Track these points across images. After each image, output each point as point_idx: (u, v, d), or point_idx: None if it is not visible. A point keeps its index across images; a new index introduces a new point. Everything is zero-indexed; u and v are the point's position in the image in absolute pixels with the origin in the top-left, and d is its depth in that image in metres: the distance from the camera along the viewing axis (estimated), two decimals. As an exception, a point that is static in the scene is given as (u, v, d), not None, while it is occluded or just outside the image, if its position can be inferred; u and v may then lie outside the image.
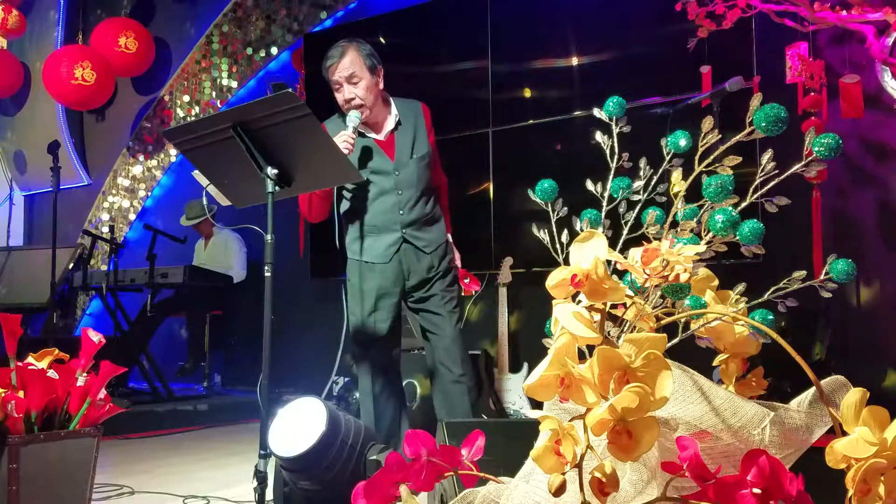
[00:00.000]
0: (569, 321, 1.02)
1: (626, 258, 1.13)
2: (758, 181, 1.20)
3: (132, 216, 6.70)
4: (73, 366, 1.92)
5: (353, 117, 2.59)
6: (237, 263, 5.47)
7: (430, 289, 2.77)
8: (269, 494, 2.13)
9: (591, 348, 1.01)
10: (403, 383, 3.57)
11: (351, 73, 2.62)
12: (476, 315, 4.60)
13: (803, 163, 1.16)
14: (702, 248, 1.15)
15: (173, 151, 6.41)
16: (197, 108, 6.25)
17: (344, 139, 2.53)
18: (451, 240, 2.88)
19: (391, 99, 2.78)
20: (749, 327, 1.24)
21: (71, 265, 5.23)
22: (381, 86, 2.71)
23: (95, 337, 1.98)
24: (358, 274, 2.75)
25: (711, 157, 1.25)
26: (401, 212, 2.70)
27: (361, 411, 2.79)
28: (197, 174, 3.37)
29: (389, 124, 2.74)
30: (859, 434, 0.98)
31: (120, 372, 1.99)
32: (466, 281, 3.05)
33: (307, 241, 5.29)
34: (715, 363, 1.31)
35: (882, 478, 0.98)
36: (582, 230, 1.20)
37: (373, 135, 2.73)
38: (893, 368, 3.45)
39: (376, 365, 2.75)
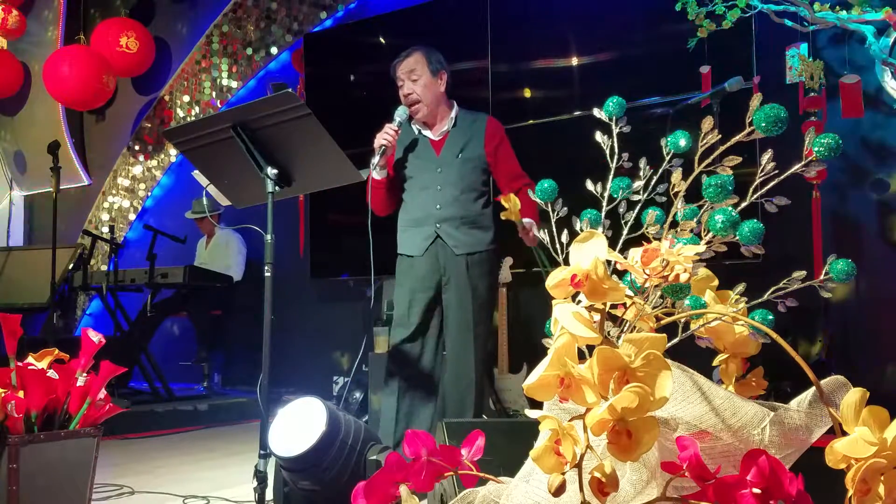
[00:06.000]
0: (569, 321, 1.02)
1: (626, 258, 1.13)
2: (758, 181, 1.20)
3: (132, 216, 6.70)
4: (73, 366, 1.92)
5: (400, 112, 2.75)
6: (234, 263, 5.47)
7: (457, 296, 2.76)
8: (269, 494, 2.13)
9: (591, 348, 1.01)
10: None
11: (412, 69, 2.79)
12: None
13: (803, 163, 1.16)
14: (702, 248, 1.15)
15: (173, 151, 6.41)
16: (197, 108, 6.25)
17: (385, 132, 2.68)
18: (512, 198, 2.21)
19: (456, 106, 2.89)
20: (749, 327, 1.24)
21: (71, 265, 5.23)
22: (443, 89, 2.84)
23: (95, 337, 1.98)
24: (399, 267, 2.87)
25: (711, 158, 1.25)
26: (437, 206, 2.78)
27: (382, 408, 2.80)
28: (197, 174, 3.37)
29: (445, 125, 2.85)
30: (859, 434, 0.98)
31: (120, 372, 1.98)
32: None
33: (307, 241, 5.30)
34: (715, 363, 1.31)
35: (882, 478, 0.98)
36: (582, 230, 1.20)
37: (428, 133, 2.86)
38: (893, 368, 3.45)
39: (409, 360, 2.77)
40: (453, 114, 2.87)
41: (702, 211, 1.25)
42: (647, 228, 1.29)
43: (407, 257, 2.85)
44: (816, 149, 1.14)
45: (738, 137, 1.20)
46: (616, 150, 1.39)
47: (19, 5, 6.66)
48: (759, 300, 1.23)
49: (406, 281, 2.83)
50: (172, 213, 6.22)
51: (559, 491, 0.96)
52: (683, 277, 1.09)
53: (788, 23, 3.29)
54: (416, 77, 2.78)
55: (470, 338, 2.75)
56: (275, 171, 2.18)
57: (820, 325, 3.47)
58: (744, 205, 1.21)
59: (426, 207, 2.80)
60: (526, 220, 2.67)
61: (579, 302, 1.08)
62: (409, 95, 2.79)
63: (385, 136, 2.68)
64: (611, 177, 1.38)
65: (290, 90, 2.12)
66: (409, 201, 2.86)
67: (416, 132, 2.87)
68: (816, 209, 3.45)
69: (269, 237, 2.20)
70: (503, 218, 2.52)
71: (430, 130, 2.87)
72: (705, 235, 1.22)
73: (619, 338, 1.14)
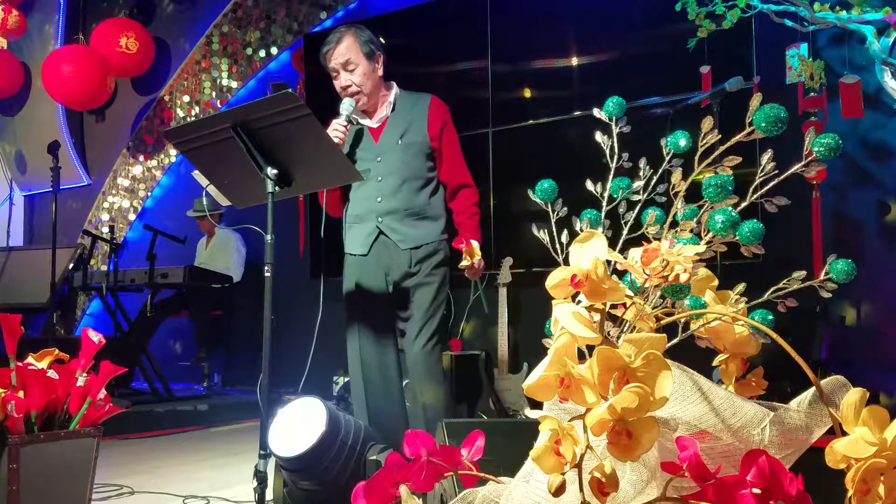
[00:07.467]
0: (569, 321, 1.02)
1: (626, 258, 1.13)
2: (758, 181, 1.19)
3: (132, 216, 6.70)
4: (73, 366, 1.92)
5: (346, 105, 2.56)
6: (234, 263, 5.47)
7: (407, 295, 2.62)
8: (269, 494, 2.13)
9: (591, 348, 1.01)
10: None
11: (346, 59, 2.57)
12: (476, 315, 4.60)
13: (803, 163, 1.16)
14: (702, 248, 1.15)
15: (173, 151, 6.41)
16: (197, 108, 6.25)
17: (335, 129, 2.50)
18: (474, 246, 2.56)
19: (395, 88, 2.70)
20: (749, 327, 1.24)
21: (71, 265, 5.23)
22: (381, 73, 2.65)
23: (95, 337, 1.98)
24: (346, 268, 2.73)
25: (711, 158, 1.25)
26: (378, 199, 2.60)
27: (353, 410, 2.71)
28: (197, 174, 3.36)
29: (383, 111, 2.67)
30: (859, 434, 0.98)
31: (120, 372, 1.98)
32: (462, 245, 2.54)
33: (307, 241, 5.30)
34: (715, 363, 1.31)
35: (882, 478, 0.98)
36: (582, 230, 1.20)
37: (367, 121, 2.69)
38: (892, 368, 3.45)
39: (366, 362, 2.67)
40: (392, 97, 2.67)
41: (702, 211, 1.25)
42: (647, 228, 1.28)
43: (351, 255, 2.69)
44: (816, 149, 1.14)
45: (738, 137, 1.20)
46: (616, 150, 1.39)
47: (19, 5, 6.66)
48: (759, 300, 1.23)
49: (351, 279, 2.68)
50: (172, 213, 6.23)
51: (559, 491, 0.96)
52: (683, 277, 1.09)
53: (788, 23, 3.29)
54: (352, 67, 2.57)
55: (425, 349, 2.61)
56: (275, 171, 2.18)
57: (819, 325, 3.47)
58: (744, 205, 1.20)
59: (367, 201, 2.62)
60: (476, 259, 2.54)
61: (579, 302, 1.08)
62: (348, 88, 2.59)
63: (335, 134, 2.48)
64: (611, 177, 1.38)
65: (290, 90, 2.12)
66: (352, 196, 2.68)
67: (355, 122, 2.68)
68: (816, 209, 3.45)
69: (269, 237, 2.20)
70: (460, 267, 2.58)
71: (370, 118, 2.68)
72: (705, 235, 1.22)
73: (619, 338, 1.14)
